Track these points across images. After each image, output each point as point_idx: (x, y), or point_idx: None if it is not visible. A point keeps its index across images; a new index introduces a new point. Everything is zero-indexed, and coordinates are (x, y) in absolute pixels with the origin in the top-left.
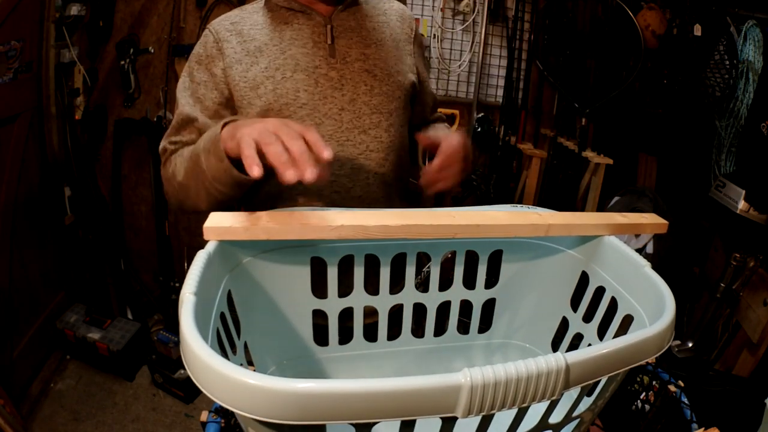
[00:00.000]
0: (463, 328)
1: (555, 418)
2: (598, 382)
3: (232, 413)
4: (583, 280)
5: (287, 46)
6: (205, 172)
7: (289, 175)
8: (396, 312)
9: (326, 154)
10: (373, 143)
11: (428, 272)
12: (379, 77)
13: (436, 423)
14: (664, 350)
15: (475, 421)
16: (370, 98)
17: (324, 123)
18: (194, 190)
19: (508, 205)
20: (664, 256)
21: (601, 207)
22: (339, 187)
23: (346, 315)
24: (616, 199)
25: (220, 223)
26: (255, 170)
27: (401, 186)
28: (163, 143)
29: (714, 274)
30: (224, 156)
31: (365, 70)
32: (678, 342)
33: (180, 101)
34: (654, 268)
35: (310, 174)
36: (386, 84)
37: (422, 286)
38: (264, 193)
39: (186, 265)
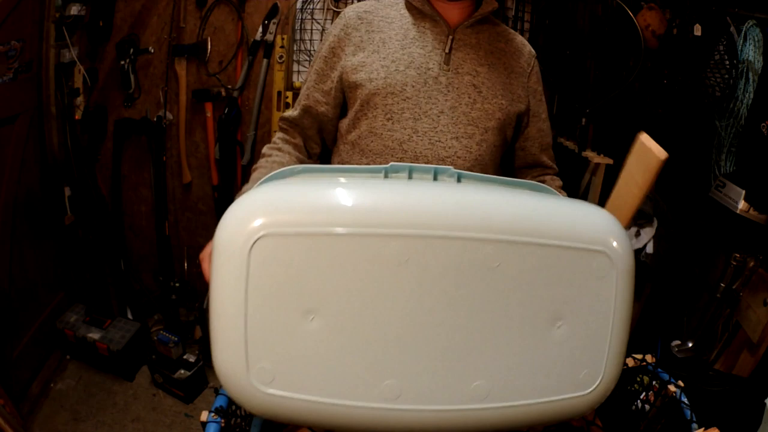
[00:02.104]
0: None
1: None
2: None
3: (232, 413)
4: None
5: (409, 43)
6: None
7: None
8: None
9: None
10: (462, 151)
11: None
12: (484, 94)
13: None
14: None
15: None
16: (470, 110)
17: (422, 119)
18: None
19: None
20: (664, 256)
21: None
22: None
23: None
24: None
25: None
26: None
27: None
28: (282, 113)
29: (714, 274)
30: None
31: (473, 84)
32: (678, 342)
33: (306, 77)
34: (654, 267)
35: None
36: (489, 102)
37: None
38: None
39: (186, 265)
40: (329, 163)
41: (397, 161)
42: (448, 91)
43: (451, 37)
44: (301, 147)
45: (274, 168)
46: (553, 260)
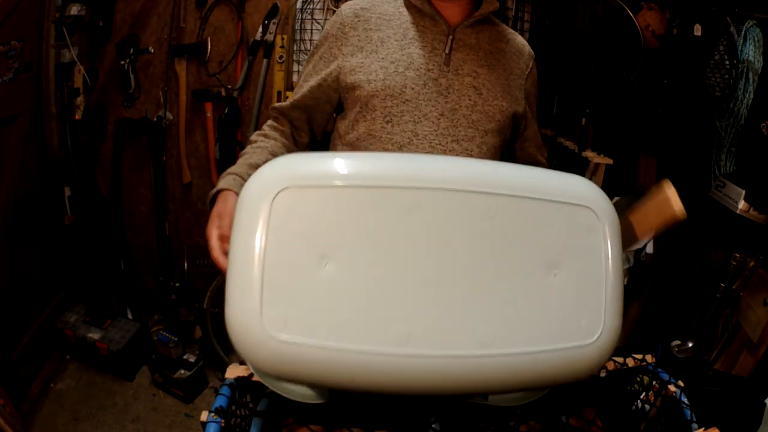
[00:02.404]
0: None
1: None
2: None
3: (232, 413)
4: None
5: (408, 44)
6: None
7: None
8: None
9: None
10: (462, 154)
11: None
12: (484, 96)
13: None
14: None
15: None
16: (470, 112)
17: (422, 122)
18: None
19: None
20: (664, 256)
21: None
22: None
23: None
24: (616, 199)
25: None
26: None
27: None
28: (278, 104)
29: (714, 274)
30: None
31: (473, 86)
32: (678, 342)
33: (302, 72)
34: (654, 267)
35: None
36: (489, 104)
37: None
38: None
39: (186, 265)
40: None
41: None
42: (448, 93)
43: (451, 37)
44: (288, 134)
45: (257, 153)
46: (545, 213)
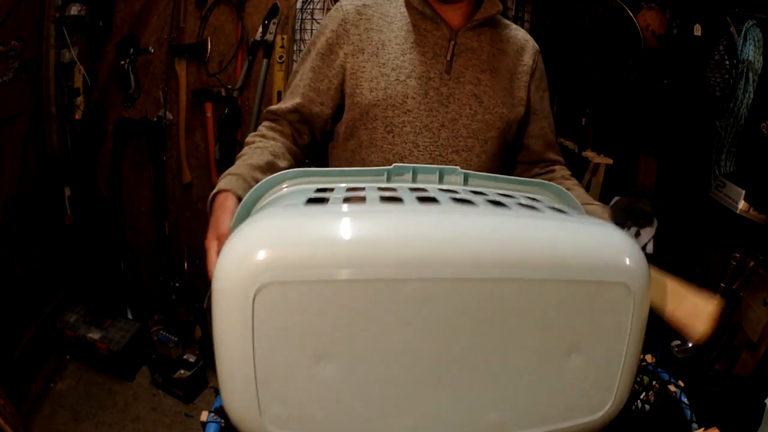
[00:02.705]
0: None
1: None
2: None
3: None
4: None
5: (409, 48)
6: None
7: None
8: None
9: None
10: (462, 164)
11: None
12: (485, 105)
13: None
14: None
15: None
16: (470, 122)
17: (422, 133)
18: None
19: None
20: (664, 257)
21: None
22: None
23: None
24: (616, 199)
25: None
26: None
27: None
28: (273, 106)
29: (714, 274)
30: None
31: (474, 94)
32: (678, 342)
33: (298, 69)
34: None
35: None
36: (489, 113)
37: None
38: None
39: (186, 265)
40: (321, 156)
41: None
42: (449, 102)
43: (452, 42)
44: (288, 135)
45: (256, 153)
46: (572, 294)
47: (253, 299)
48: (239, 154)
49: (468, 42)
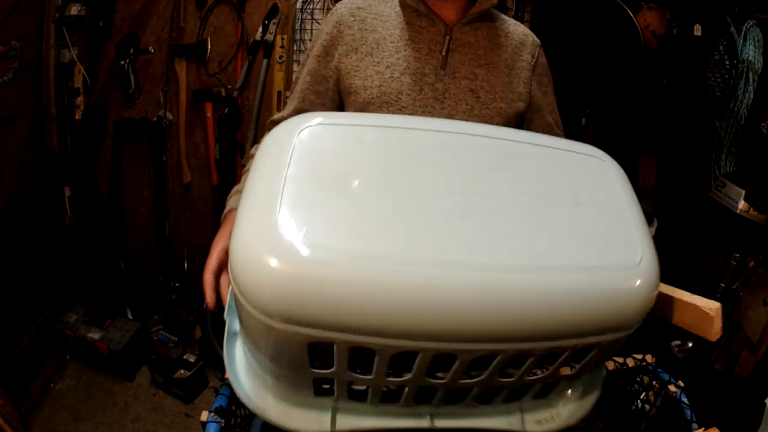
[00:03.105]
0: None
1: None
2: None
3: (232, 413)
4: None
5: (403, 46)
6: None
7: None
8: None
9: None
10: None
11: None
12: (482, 99)
13: None
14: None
15: None
16: (467, 118)
17: None
18: None
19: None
20: (664, 256)
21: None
22: None
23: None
24: None
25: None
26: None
27: None
28: (276, 116)
29: (714, 274)
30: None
31: (470, 89)
32: (678, 342)
33: (297, 77)
34: None
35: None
36: (486, 108)
37: None
38: None
39: (186, 265)
40: None
41: None
42: (445, 98)
43: (448, 37)
44: None
45: None
46: (560, 158)
47: (297, 135)
48: (245, 170)
49: (464, 37)
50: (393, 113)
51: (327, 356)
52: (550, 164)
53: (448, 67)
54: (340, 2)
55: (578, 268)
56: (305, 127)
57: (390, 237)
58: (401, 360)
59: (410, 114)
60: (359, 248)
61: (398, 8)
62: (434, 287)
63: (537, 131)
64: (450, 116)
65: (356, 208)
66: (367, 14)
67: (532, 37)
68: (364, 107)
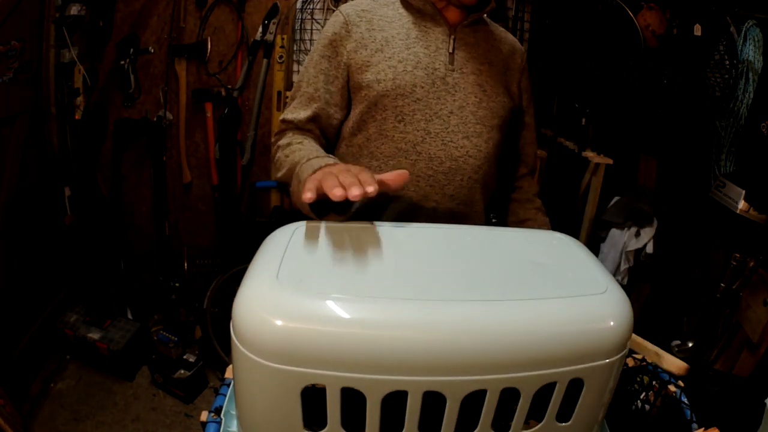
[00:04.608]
0: None
1: None
2: None
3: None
4: None
5: (412, 43)
6: (295, 193)
7: (334, 192)
8: None
9: (370, 189)
10: (473, 150)
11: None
12: (489, 93)
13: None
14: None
15: None
16: (477, 109)
17: (433, 120)
18: (290, 191)
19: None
20: (664, 256)
21: (602, 207)
22: (435, 182)
23: None
24: (616, 199)
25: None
26: (306, 195)
27: (488, 194)
28: (284, 115)
29: (714, 274)
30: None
31: (478, 83)
32: (678, 342)
33: (304, 76)
34: (654, 267)
35: (353, 191)
36: (493, 101)
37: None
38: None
39: (186, 265)
40: None
41: (410, 163)
42: (456, 91)
43: (453, 36)
44: (317, 139)
45: (305, 148)
46: (522, 234)
47: (294, 230)
48: (278, 158)
49: (466, 37)
50: (407, 105)
51: (320, 416)
52: (514, 238)
53: (456, 63)
54: (344, 5)
55: (547, 297)
56: (299, 227)
57: (369, 285)
58: (393, 414)
59: (424, 106)
60: (339, 297)
61: (402, 10)
62: (413, 321)
63: (519, 131)
64: (461, 108)
65: (342, 275)
66: (373, 15)
67: (519, 45)
68: (378, 100)
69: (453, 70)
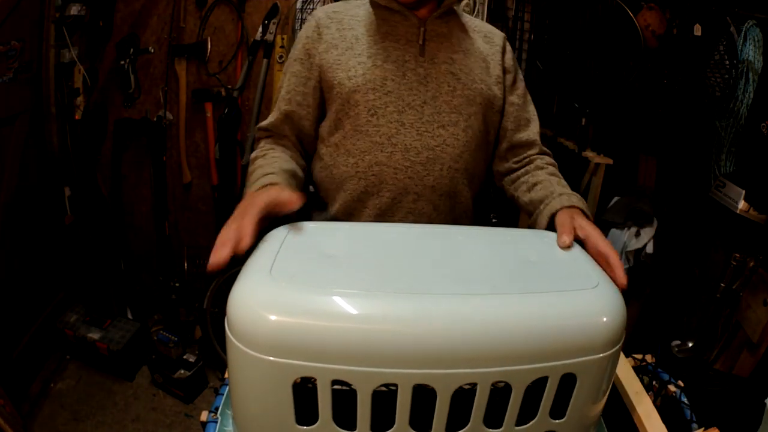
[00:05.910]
0: None
1: None
2: None
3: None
4: None
5: (381, 38)
6: None
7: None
8: None
9: (240, 246)
10: (450, 139)
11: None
12: (463, 81)
13: None
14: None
15: None
16: (451, 98)
17: (406, 112)
18: None
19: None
20: (664, 257)
21: (602, 207)
22: (414, 173)
23: None
24: (616, 199)
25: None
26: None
27: (475, 184)
28: (260, 122)
29: (714, 274)
30: None
31: (450, 72)
32: (678, 342)
33: (282, 82)
34: (654, 267)
35: (211, 259)
36: (468, 89)
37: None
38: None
39: (186, 265)
40: (311, 169)
41: (386, 156)
42: (428, 81)
43: (422, 28)
44: (290, 147)
45: (276, 161)
46: (514, 232)
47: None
48: (251, 170)
49: (437, 28)
50: (379, 98)
51: (313, 414)
52: (504, 235)
53: (427, 54)
54: (317, 9)
55: (537, 291)
56: (294, 226)
57: (359, 280)
58: (384, 411)
59: (396, 98)
60: (329, 291)
61: (371, 9)
62: (403, 314)
63: (507, 112)
64: (434, 97)
65: (331, 271)
66: (343, 16)
67: (498, 31)
68: (349, 96)
69: (424, 62)
